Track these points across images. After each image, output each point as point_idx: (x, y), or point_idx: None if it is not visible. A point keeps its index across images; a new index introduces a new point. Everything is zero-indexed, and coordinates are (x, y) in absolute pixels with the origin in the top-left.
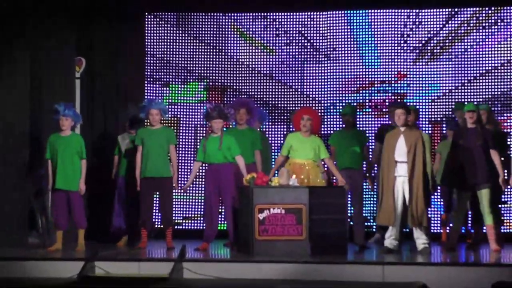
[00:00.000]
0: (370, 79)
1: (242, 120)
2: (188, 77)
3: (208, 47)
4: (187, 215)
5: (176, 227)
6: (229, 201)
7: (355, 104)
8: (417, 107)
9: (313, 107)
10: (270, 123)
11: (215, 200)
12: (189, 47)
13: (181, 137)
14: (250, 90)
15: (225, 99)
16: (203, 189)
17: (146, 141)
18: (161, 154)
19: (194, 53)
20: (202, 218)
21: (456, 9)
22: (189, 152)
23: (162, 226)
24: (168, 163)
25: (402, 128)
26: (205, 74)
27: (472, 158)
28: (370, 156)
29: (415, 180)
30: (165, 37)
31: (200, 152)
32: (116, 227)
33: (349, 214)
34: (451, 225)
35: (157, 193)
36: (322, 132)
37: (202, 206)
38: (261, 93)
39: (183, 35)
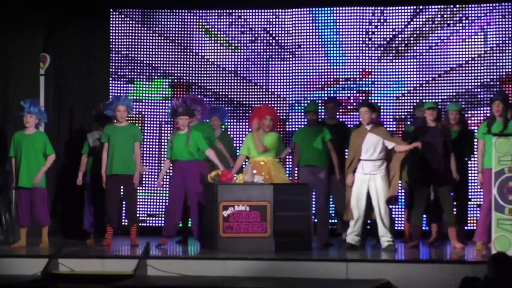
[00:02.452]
0: (335, 76)
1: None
2: (153, 74)
3: (173, 44)
4: (151, 212)
5: (140, 224)
6: (195, 199)
7: (319, 101)
8: (380, 104)
9: (278, 104)
10: (235, 120)
11: (180, 197)
12: (154, 44)
13: (145, 134)
14: (215, 87)
15: (188, 95)
16: (166, 186)
17: (112, 138)
18: (127, 151)
19: (159, 50)
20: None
21: (420, 7)
22: (154, 149)
23: (126, 223)
24: (133, 160)
25: (368, 126)
26: (170, 71)
27: (433, 155)
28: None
29: (384, 176)
30: (130, 34)
31: (169, 149)
32: (88, 225)
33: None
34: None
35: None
36: (286, 130)
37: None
38: (226, 90)
39: (148, 31)
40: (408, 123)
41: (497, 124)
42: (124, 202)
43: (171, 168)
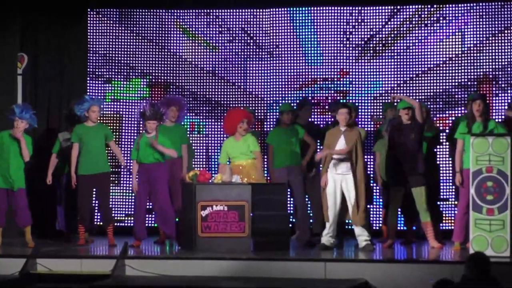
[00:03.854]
0: (313, 76)
1: (174, 118)
2: (131, 73)
3: (151, 44)
4: (129, 213)
5: (118, 224)
6: (163, 200)
7: (296, 101)
8: (357, 104)
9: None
10: (213, 120)
11: (145, 199)
12: (131, 43)
13: (123, 133)
14: (193, 87)
15: (168, 95)
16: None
17: (85, 138)
18: (99, 151)
19: (137, 49)
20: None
21: (398, 7)
22: (131, 149)
23: (101, 223)
24: (106, 159)
25: (342, 127)
26: (147, 71)
27: (407, 154)
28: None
29: (357, 178)
30: (108, 33)
31: (134, 150)
32: (62, 225)
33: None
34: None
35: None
36: (264, 130)
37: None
38: (204, 90)
39: (126, 31)
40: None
41: (477, 124)
42: (97, 202)
43: None
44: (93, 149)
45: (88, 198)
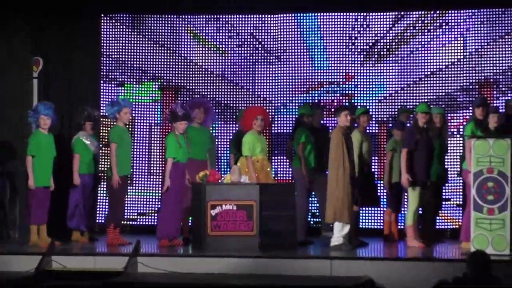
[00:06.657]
0: (319, 80)
1: (200, 119)
2: (143, 77)
3: (162, 48)
4: (141, 211)
5: (130, 222)
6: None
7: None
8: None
9: (264, 107)
10: (222, 122)
11: (181, 197)
12: (143, 48)
13: (135, 136)
14: (203, 90)
15: (179, 99)
16: (157, 186)
17: (125, 140)
18: (130, 152)
19: (149, 53)
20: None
21: (402, 13)
22: (143, 151)
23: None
24: None
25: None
26: (159, 74)
27: (428, 155)
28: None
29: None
30: (121, 38)
31: (175, 149)
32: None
33: None
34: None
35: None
36: (272, 132)
37: (157, 203)
38: (214, 93)
39: (138, 36)
40: (390, 125)
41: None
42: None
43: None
44: (128, 150)
45: (124, 199)
